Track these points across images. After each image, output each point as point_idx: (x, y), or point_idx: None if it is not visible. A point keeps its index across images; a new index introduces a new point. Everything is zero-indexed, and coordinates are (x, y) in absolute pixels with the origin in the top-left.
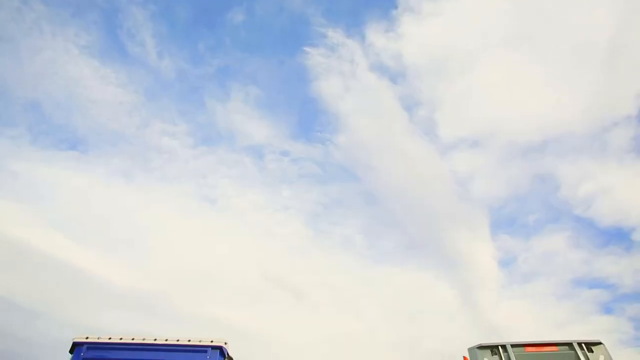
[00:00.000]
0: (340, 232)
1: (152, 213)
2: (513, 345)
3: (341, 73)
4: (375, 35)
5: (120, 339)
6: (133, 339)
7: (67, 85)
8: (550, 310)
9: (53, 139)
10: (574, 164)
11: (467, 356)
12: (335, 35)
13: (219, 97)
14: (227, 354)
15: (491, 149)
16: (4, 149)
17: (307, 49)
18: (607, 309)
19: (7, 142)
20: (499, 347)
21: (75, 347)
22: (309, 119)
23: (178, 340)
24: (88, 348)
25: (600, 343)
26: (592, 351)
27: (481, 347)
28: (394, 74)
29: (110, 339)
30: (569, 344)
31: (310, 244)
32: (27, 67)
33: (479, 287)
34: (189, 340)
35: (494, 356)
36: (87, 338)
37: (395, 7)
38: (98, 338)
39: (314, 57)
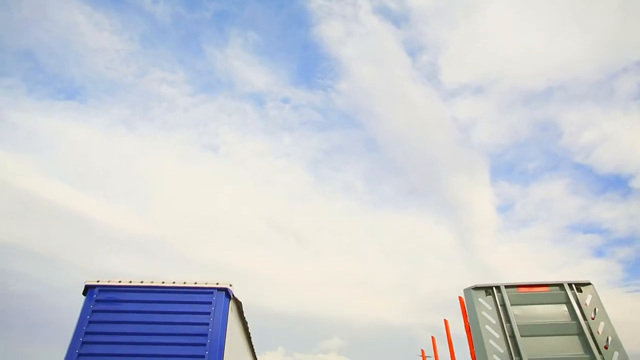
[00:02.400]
0: (341, 178)
1: (154, 161)
2: (507, 287)
3: (343, 17)
4: None
5: (130, 282)
6: (142, 282)
7: (60, 32)
8: (545, 254)
9: (50, 89)
10: (577, 111)
11: (463, 297)
12: None
13: (217, 43)
14: (233, 295)
15: (494, 95)
16: (1, 100)
17: None
18: (599, 253)
19: (3, 92)
20: (493, 288)
21: (88, 290)
22: (309, 65)
23: (185, 283)
24: (100, 290)
25: (589, 284)
26: (581, 291)
27: (476, 288)
28: (397, 17)
29: (120, 282)
30: (560, 285)
31: (312, 189)
32: (15, 12)
33: (476, 231)
34: (195, 283)
35: (488, 296)
36: (98, 281)
37: None
38: (109, 281)
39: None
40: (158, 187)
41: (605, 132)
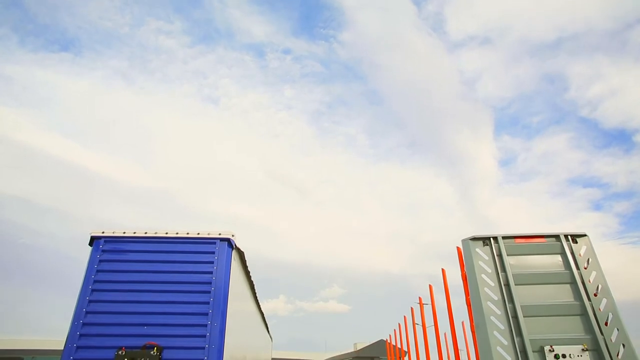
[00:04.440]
0: (343, 131)
1: (156, 115)
2: (504, 237)
3: None
4: None
5: (134, 233)
6: (146, 233)
7: None
8: (544, 207)
9: (43, 41)
10: (587, 63)
11: (461, 247)
12: None
13: None
14: (235, 245)
15: (501, 46)
16: None
17: None
18: (596, 206)
19: None
20: (491, 238)
21: (94, 241)
22: (311, 14)
23: (188, 234)
24: (105, 241)
25: (584, 235)
26: (576, 242)
27: (474, 239)
28: None
29: (124, 233)
30: (556, 236)
31: (314, 142)
32: None
33: (477, 184)
34: (198, 234)
35: (486, 247)
36: (103, 232)
37: None
38: (113, 232)
39: None
40: (159, 141)
41: (613, 85)
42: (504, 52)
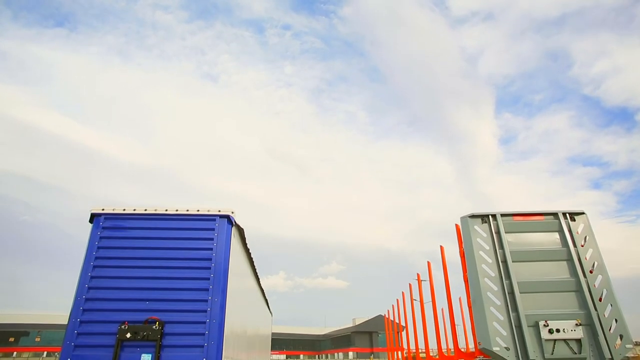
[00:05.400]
0: (343, 109)
1: (154, 92)
2: (502, 215)
3: None
4: None
5: (134, 210)
6: (146, 210)
7: None
8: (543, 185)
9: (36, 15)
10: (592, 40)
11: (459, 224)
12: None
13: None
14: (235, 222)
15: (504, 23)
16: None
17: None
18: (596, 185)
19: None
20: (489, 216)
21: (94, 218)
22: None
23: (187, 211)
24: (106, 218)
25: (582, 213)
26: (574, 220)
27: (472, 216)
28: None
29: (124, 210)
30: (554, 214)
31: (314, 120)
32: None
33: (477, 163)
34: (198, 211)
35: (484, 224)
36: (103, 210)
37: None
38: (113, 209)
39: None
40: (159, 118)
41: (618, 63)
42: (507, 28)
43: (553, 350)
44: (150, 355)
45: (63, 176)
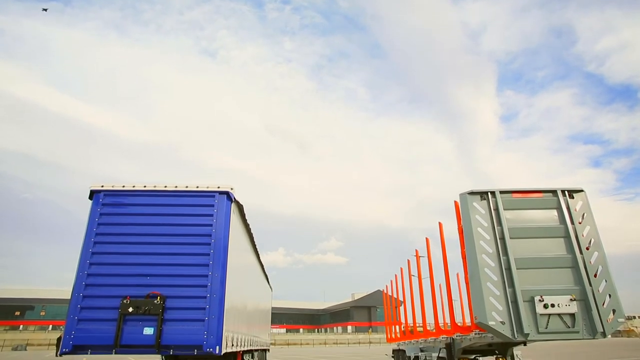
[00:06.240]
0: (343, 85)
1: (152, 68)
2: (501, 192)
3: None
4: None
5: (133, 186)
6: (145, 187)
7: None
8: (543, 163)
9: None
10: (597, 15)
11: (458, 201)
12: None
13: None
14: (234, 198)
15: None
16: None
17: None
18: (596, 163)
19: None
20: (488, 193)
21: (94, 194)
22: None
23: (187, 187)
24: (105, 195)
25: (581, 191)
26: (572, 197)
27: (471, 193)
28: None
29: (124, 186)
30: (553, 191)
31: (313, 97)
32: None
33: (477, 140)
34: (197, 187)
35: (483, 201)
36: (102, 186)
37: None
38: (113, 186)
39: None
40: (157, 95)
41: (623, 39)
42: (511, 4)
43: (547, 325)
44: (152, 328)
45: (62, 154)
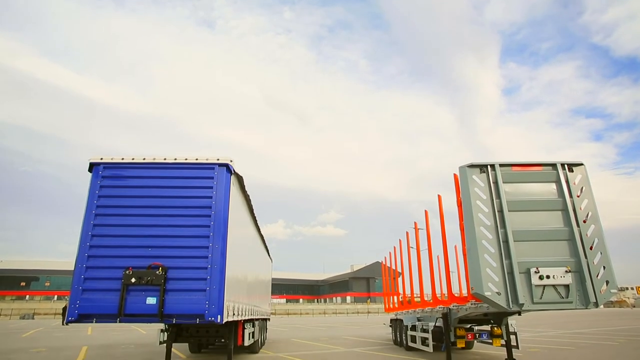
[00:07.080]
0: (344, 57)
1: (150, 39)
2: (501, 165)
3: None
4: None
5: (133, 159)
6: (144, 159)
7: None
8: (545, 137)
9: None
10: None
11: (458, 174)
12: None
13: None
14: (234, 170)
15: None
16: None
17: None
18: (597, 137)
19: None
20: (488, 166)
21: (93, 167)
22: None
23: (186, 159)
24: (105, 167)
25: (581, 164)
26: (572, 171)
27: (471, 166)
28: None
29: (123, 159)
30: (553, 165)
31: (313, 68)
32: None
33: (478, 113)
34: (197, 159)
35: (482, 174)
36: (101, 159)
37: None
38: (112, 159)
39: None
40: (155, 66)
41: (632, 8)
42: None
43: (542, 295)
44: (155, 298)
45: (61, 125)
